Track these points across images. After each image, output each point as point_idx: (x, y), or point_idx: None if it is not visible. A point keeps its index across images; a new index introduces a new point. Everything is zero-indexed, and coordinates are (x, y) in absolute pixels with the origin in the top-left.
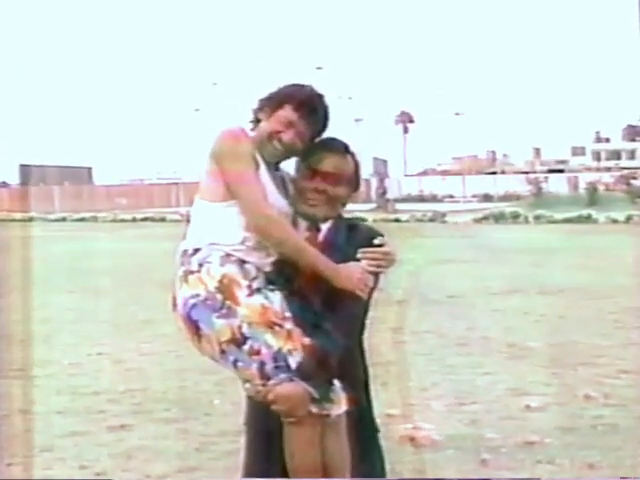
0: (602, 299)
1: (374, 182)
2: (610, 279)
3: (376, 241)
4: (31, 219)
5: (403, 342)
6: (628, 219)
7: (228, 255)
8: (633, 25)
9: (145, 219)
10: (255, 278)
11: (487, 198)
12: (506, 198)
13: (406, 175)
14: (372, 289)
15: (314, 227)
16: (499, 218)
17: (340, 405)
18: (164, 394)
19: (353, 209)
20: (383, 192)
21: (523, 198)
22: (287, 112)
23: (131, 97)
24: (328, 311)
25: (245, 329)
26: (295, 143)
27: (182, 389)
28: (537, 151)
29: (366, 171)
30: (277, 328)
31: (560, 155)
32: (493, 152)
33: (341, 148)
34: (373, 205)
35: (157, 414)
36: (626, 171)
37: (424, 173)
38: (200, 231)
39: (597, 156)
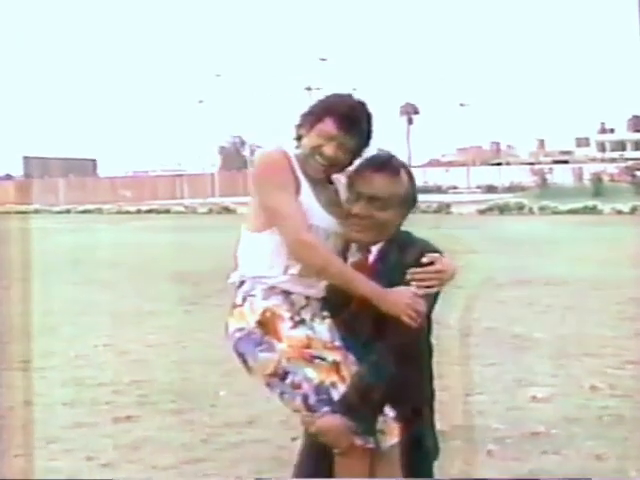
0: (607, 290)
1: None
2: (615, 270)
3: (425, 259)
4: (35, 211)
5: None
6: (633, 210)
7: (272, 288)
8: (636, 15)
9: (149, 211)
10: (303, 307)
11: (491, 189)
12: (511, 189)
13: (411, 166)
14: (430, 311)
15: (364, 249)
16: (504, 209)
17: (391, 436)
18: (170, 385)
19: None
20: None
21: (528, 189)
22: (327, 125)
23: (135, 89)
24: (377, 339)
25: (284, 363)
26: (338, 156)
27: (188, 380)
28: (541, 142)
29: None
30: (317, 361)
31: (565, 146)
32: (497, 143)
33: (390, 167)
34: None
35: (163, 405)
36: (631, 162)
37: (428, 164)
38: (245, 263)
39: (602, 147)
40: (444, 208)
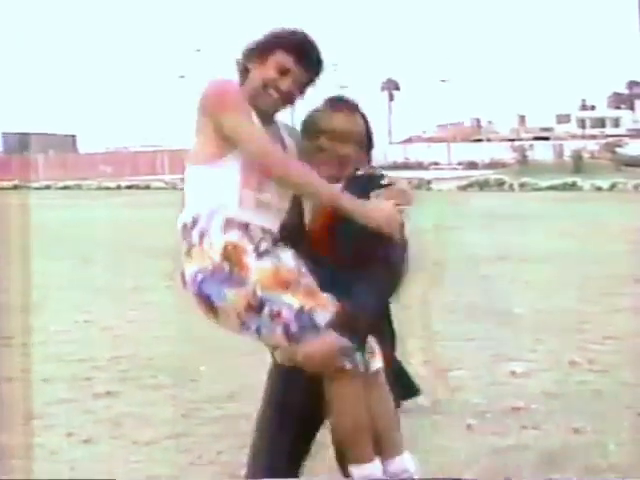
0: (587, 266)
1: None
2: (595, 246)
3: (384, 181)
4: (14, 187)
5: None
6: (612, 187)
7: (230, 221)
8: None
9: (130, 187)
10: (262, 239)
11: (472, 165)
12: (491, 165)
13: (391, 142)
14: (405, 251)
15: None
16: (484, 185)
17: (376, 360)
18: (151, 361)
19: None
20: (368, 160)
21: (508, 165)
22: (281, 57)
23: (115, 64)
24: (355, 274)
25: (260, 293)
26: (292, 90)
27: (169, 356)
28: (522, 118)
29: None
30: (293, 286)
31: (545, 122)
32: (478, 119)
33: (348, 106)
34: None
35: (144, 381)
36: (611, 139)
37: (409, 140)
38: (196, 200)
39: (582, 124)
40: (425, 184)
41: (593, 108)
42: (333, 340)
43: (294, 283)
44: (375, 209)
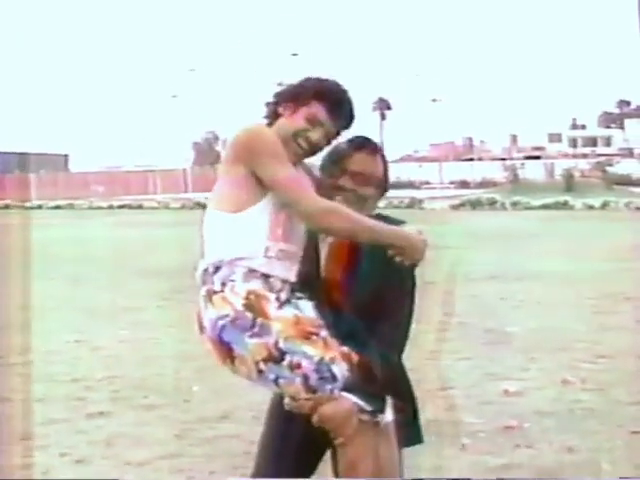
0: (579, 284)
1: None
2: (587, 265)
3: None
4: (6, 207)
5: None
6: (604, 205)
7: (252, 271)
8: (609, 13)
9: (122, 206)
10: (281, 290)
11: (464, 184)
12: (483, 185)
13: None
14: (413, 288)
15: None
16: (476, 204)
17: (388, 412)
18: (143, 381)
19: None
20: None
21: (500, 184)
22: (315, 109)
23: (108, 84)
24: (370, 324)
25: (281, 344)
26: (321, 143)
27: (161, 376)
28: (514, 138)
29: None
30: (314, 337)
31: (537, 142)
32: (470, 139)
33: (372, 148)
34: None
35: (136, 401)
36: (602, 158)
37: (401, 160)
38: (219, 246)
39: (573, 143)
40: (417, 203)
41: (584, 127)
42: (351, 403)
43: (314, 334)
44: (407, 231)
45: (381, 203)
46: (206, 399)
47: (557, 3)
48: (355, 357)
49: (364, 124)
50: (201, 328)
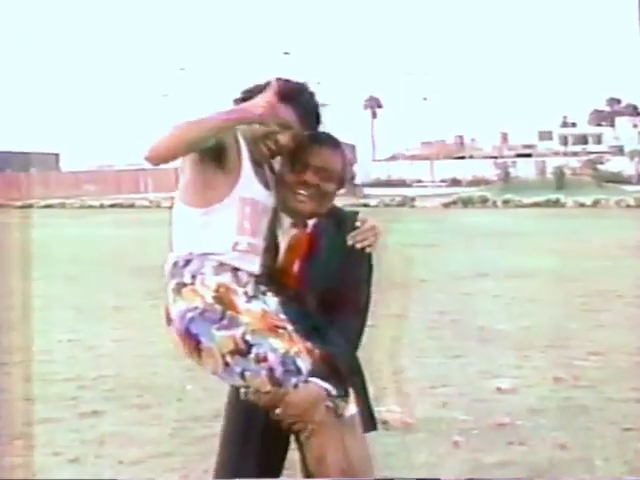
0: (570, 282)
1: None
2: (578, 262)
3: (358, 223)
4: None
5: (374, 326)
6: (595, 203)
7: (221, 264)
8: (600, 10)
9: (113, 205)
10: (247, 283)
11: (455, 183)
12: (474, 183)
13: (374, 160)
14: (369, 275)
15: (301, 224)
16: (467, 202)
17: (351, 404)
18: (136, 380)
19: None
20: (352, 177)
21: (491, 183)
22: (287, 114)
23: (98, 82)
24: (330, 317)
25: (249, 337)
26: (289, 145)
27: (154, 375)
28: (504, 136)
29: None
30: (280, 331)
31: (527, 140)
32: (461, 137)
33: (334, 143)
34: (342, 190)
35: (129, 400)
36: (593, 155)
37: (393, 158)
38: (188, 240)
39: (564, 141)
40: (408, 202)
41: (574, 125)
42: (319, 388)
43: (280, 327)
44: (252, 103)
45: (373, 201)
46: (199, 398)
47: (548, 1)
48: (318, 352)
49: (355, 122)
50: (169, 321)
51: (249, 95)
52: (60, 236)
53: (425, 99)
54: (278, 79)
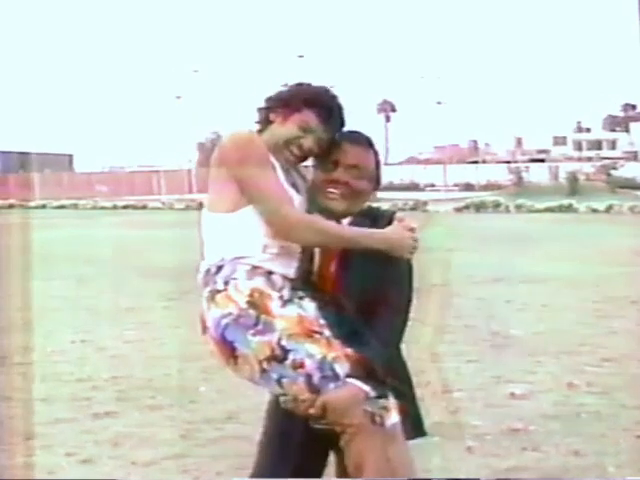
0: (584, 288)
1: None
2: (591, 268)
3: (397, 216)
4: (10, 206)
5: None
6: (608, 208)
7: (254, 268)
8: (612, 15)
9: (126, 206)
10: (282, 288)
11: (468, 187)
12: (487, 187)
13: (388, 164)
14: (410, 277)
15: (336, 222)
16: (480, 207)
17: (393, 414)
18: (149, 381)
19: None
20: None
21: (504, 187)
22: (307, 117)
23: (112, 84)
24: (367, 320)
25: (285, 342)
26: (313, 149)
27: (167, 376)
28: (518, 140)
29: None
30: (317, 336)
31: (541, 145)
32: (475, 141)
33: (365, 141)
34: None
35: (142, 401)
36: (607, 161)
37: (406, 162)
38: (219, 246)
39: (578, 146)
40: (421, 206)
41: (589, 130)
42: (357, 389)
43: (317, 332)
44: (397, 236)
45: (386, 205)
46: (212, 400)
47: (563, 6)
48: (357, 358)
49: (369, 126)
50: (204, 329)
51: (274, 104)
52: (73, 237)
53: (439, 103)
54: (299, 83)
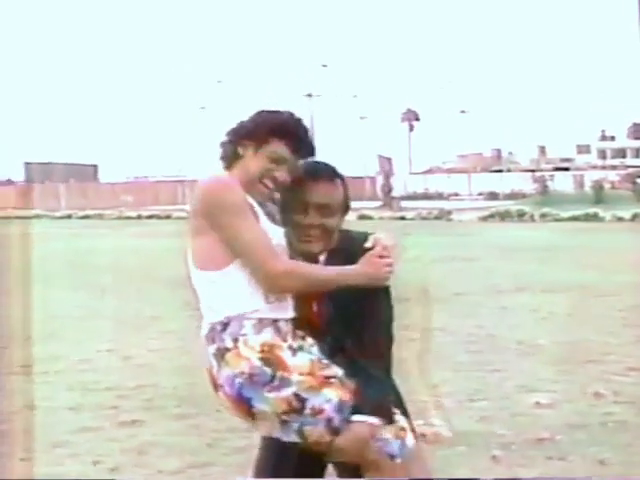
0: (609, 297)
1: (380, 180)
2: (617, 277)
3: (368, 244)
4: (36, 216)
5: (413, 340)
6: (634, 217)
7: (260, 320)
8: (638, 22)
9: (151, 217)
10: (288, 332)
11: (493, 196)
12: (512, 196)
13: (412, 173)
14: (391, 312)
15: (312, 260)
16: (505, 216)
17: (409, 436)
18: (174, 390)
19: (359, 207)
20: (389, 190)
21: (529, 196)
22: (276, 147)
23: (137, 95)
24: (358, 349)
25: (303, 393)
26: (287, 179)
27: (192, 385)
28: (542, 149)
29: (372, 169)
30: (332, 380)
31: (565, 153)
32: (498, 150)
33: (330, 174)
34: (379, 203)
35: (168, 410)
36: (631, 169)
37: (430, 171)
38: (219, 304)
39: (602, 154)
40: (445, 215)
41: (613, 139)
42: (364, 426)
43: (331, 377)
44: (369, 269)
45: (410, 214)
46: None
47: (587, 15)
48: (357, 389)
49: (393, 135)
50: (216, 387)
51: (240, 137)
52: (98, 247)
53: (463, 112)
54: (261, 111)
